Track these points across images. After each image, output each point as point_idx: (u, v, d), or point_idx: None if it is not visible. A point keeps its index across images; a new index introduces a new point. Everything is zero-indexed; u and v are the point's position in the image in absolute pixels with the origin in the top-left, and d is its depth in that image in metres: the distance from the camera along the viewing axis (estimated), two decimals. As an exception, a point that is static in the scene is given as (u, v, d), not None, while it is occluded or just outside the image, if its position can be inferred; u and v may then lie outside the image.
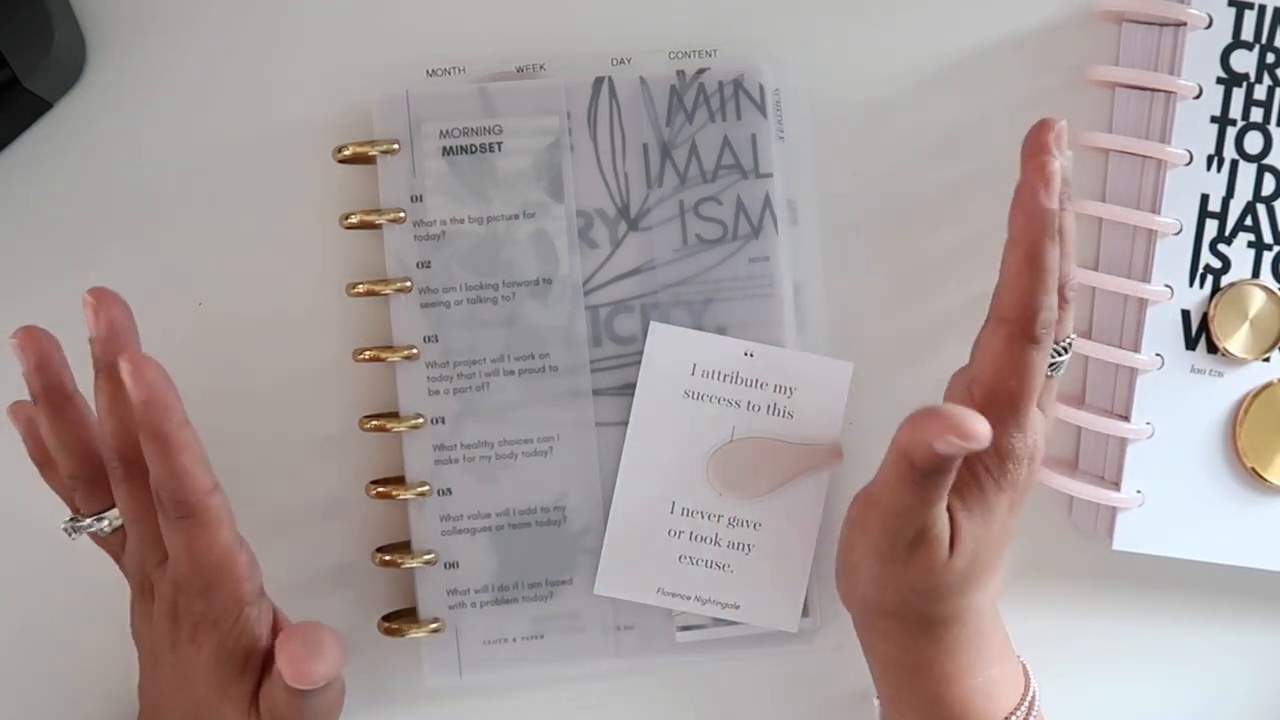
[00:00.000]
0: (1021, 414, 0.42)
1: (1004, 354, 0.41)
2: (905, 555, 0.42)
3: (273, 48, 0.50)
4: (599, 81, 0.49)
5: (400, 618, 0.49)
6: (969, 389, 0.43)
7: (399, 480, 0.49)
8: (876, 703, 0.48)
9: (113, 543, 0.44)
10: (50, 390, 0.43)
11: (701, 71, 0.49)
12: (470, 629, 0.49)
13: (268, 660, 0.43)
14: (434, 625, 0.49)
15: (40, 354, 0.42)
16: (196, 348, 0.50)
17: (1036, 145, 0.41)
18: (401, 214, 0.48)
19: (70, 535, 0.43)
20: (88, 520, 0.43)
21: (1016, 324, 0.41)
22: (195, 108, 0.50)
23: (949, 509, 0.42)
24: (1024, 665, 0.47)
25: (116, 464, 0.42)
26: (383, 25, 0.50)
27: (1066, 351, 0.45)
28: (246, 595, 0.42)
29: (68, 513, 0.45)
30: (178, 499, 0.40)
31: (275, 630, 0.43)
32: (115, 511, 0.43)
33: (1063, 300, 0.43)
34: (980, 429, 0.37)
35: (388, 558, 0.49)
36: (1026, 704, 0.46)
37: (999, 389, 0.42)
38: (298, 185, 0.50)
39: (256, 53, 0.50)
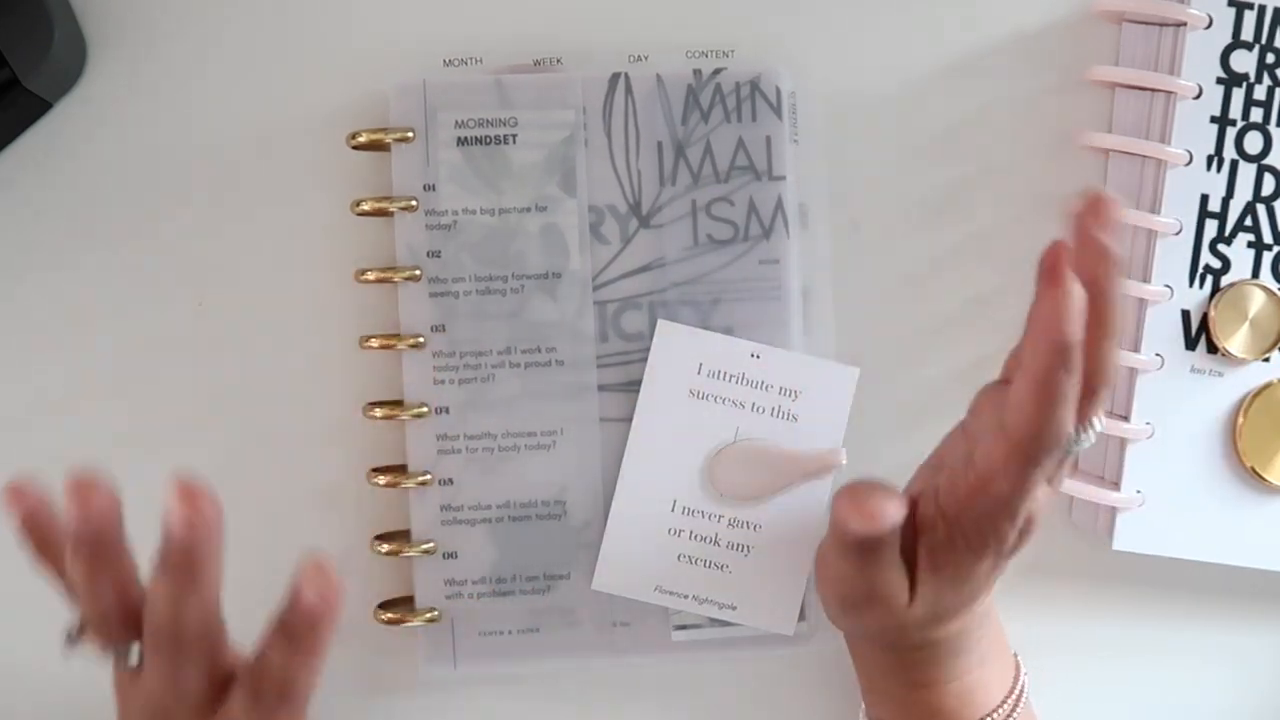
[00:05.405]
0: (1011, 509, 0.40)
1: (1000, 462, 0.39)
2: (856, 610, 0.43)
3: (289, 32, 0.50)
4: (615, 77, 0.49)
5: (397, 606, 0.49)
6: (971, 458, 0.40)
7: (401, 468, 0.49)
8: (862, 715, 0.48)
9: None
10: (100, 543, 0.36)
11: (718, 71, 0.49)
12: (466, 620, 0.49)
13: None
14: (430, 615, 0.49)
15: (96, 505, 0.35)
16: (203, 333, 0.50)
17: (1053, 262, 0.37)
18: (414, 202, 0.48)
19: (71, 646, 0.38)
20: (131, 651, 0.37)
21: (1018, 445, 0.38)
22: (201, 99, 0.50)
23: (913, 565, 0.42)
24: (1016, 660, 0.47)
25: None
26: (400, 13, 0.50)
27: (1088, 431, 0.40)
28: None
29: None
30: (286, 691, 0.37)
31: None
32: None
33: (1092, 392, 0.39)
34: (886, 515, 0.38)
35: (387, 546, 0.49)
36: (1012, 700, 0.46)
37: (989, 488, 0.40)
38: (310, 170, 0.50)
39: (273, 38, 0.50)
